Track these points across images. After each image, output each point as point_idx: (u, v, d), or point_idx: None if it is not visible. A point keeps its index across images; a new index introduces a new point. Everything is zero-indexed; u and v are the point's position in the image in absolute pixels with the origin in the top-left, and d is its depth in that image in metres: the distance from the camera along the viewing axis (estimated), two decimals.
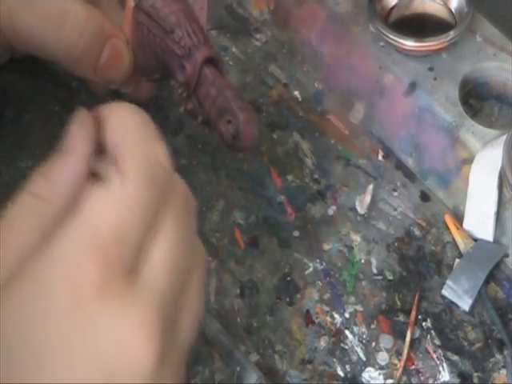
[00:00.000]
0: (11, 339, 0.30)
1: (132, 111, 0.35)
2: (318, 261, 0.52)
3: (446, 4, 0.57)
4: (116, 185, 0.32)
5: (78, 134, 0.34)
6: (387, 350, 0.48)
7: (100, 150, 0.34)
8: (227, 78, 0.47)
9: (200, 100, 0.47)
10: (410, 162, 0.56)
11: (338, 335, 0.49)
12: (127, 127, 0.34)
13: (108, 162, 0.33)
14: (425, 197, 0.55)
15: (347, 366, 0.48)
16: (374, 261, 0.52)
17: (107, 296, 0.31)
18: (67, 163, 0.33)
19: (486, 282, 0.50)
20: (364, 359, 0.48)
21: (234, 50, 0.61)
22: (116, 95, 0.51)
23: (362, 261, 0.52)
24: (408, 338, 0.48)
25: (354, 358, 0.48)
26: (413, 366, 0.48)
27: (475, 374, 0.48)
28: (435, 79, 0.54)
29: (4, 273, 0.31)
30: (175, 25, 0.45)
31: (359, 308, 0.50)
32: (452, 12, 0.57)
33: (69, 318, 0.30)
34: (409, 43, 0.54)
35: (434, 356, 0.48)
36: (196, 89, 0.46)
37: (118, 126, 0.34)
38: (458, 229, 0.52)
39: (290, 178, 0.55)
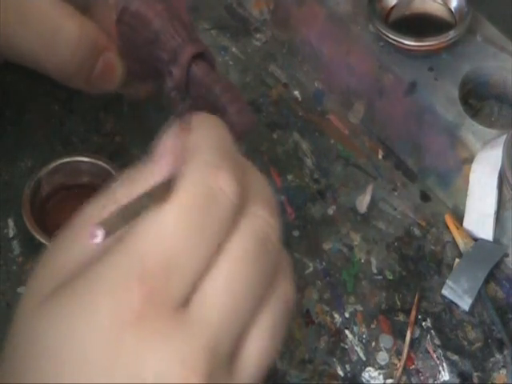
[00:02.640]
0: (47, 355, 0.29)
1: (214, 128, 0.34)
2: (317, 260, 0.52)
3: (445, 4, 0.57)
4: (167, 212, 0.30)
5: (167, 147, 0.32)
6: (387, 350, 0.48)
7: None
8: (216, 71, 0.46)
9: (194, 100, 0.47)
10: (409, 161, 0.56)
11: (337, 335, 0.49)
12: (200, 146, 0.32)
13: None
14: (425, 197, 0.55)
15: (347, 366, 0.48)
16: (373, 260, 0.52)
17: (149, 325, 0.29)
18: (149, 174, 0.32)
19: (486, 281, 0.50)
20: (364, 359, 0.48)
21: (233, 49, 0.61)
22: (114, 94, 0.51)
23: (362, 260, 0.52)
24: (408, 338, 0.48)
25: (354, 357, 0.48)
26: (413, 366, 0.48)
27: (475, 374, 0.48)
28: (435, 79, 0.54)
29: (59, 277, 0.31)
30: (159, 31, 0.45)
31: (359, 308, 0.50)
32: (452, 12, 0.56)
33: (108, 345, 0.29)
34: (409, 43, 0.54)
35: (434, 356, 0.48)
36: (188, 90, 0.46)
37: (194, 139, 0.33)
38: (457, 228, 0.52)
39: (289, 177, 0.55)
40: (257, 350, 0.32)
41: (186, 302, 0.30)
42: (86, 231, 0.28)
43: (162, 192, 0.30)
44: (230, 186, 0.31)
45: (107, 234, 0.28)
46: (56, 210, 0.51)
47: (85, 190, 0.51)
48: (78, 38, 0.45)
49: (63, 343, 0.29)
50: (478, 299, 0.50)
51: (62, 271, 0.31)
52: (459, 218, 0.53)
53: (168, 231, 0.30)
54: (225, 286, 0.30)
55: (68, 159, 0.51)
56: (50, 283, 0.31)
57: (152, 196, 0.30)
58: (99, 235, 0.28)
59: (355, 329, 0.49)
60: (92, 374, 0.29)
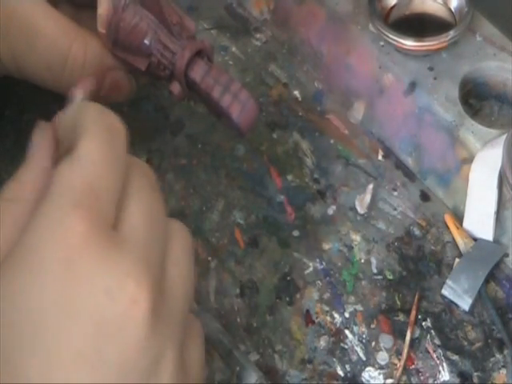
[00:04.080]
0: (9, 314, 0.31)
1: (78, 107, 0.38)
2: (317, 260, 0.52)
3: (445, 4, 0.57)
4: (79, 147, 0.34)
5: (37, 142, 0.38)
6: (387, 350, 0.48)
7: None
8: (212, 66, 0.46)
9: (203, 102, 0.47)
10: (409, 161, 0.56)
11: (337, 335, 0.49)
12: (81, 116, 0.37)
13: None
14: (425, 196, 0.55)
15: (347, 366, 0.48)
16: (373, 260, 0.52)
17: (94, 248, 0.32)
18: (30, 164, 0.37)
19: (486, 281, 0.50)
20: (364, 359, 0.48)
21: (233, 49, 0.61)
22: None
23: (362, 260, 0.52)
24: (408, 338, 0.48)
25: (354, 357, 0.48)
26: (413, 366, 0.48)
27: (475, 374, 0.48)
28: (435, 79, 0.54)
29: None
30: (148, 51, 0.45)
31: (359, 308, 0.50)
32: (452, 12, 0.57)
33: (57, 277, 0.31)
34: (409, 43, 0.54)
35: (434, 356, 0.48)
36: (193, 96, 0.47)
37: (77, 122, 0.37)
38: (457, 228, 0.52)
39: (289, 177, 0.55)
40: (177, 273, 0.36)
41: (115, 223, 0.34)
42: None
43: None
44: (118, 122, 0.37)
45: None
46: None
47: None
48: (83, 63, 0.46)
49: (13, 302, 0.31)
50: (478, 299, 0.50)
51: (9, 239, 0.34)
52: (459, 217, 0.53)
53: (85, 160, 0.34)
54: (141, 205, 0.35)
55: None
56: None
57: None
58: None
59: (355, 329, 0.49)
60: (44, 312, 0.31)
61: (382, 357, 0.48)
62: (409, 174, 0.56)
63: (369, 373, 0.48)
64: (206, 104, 0.47)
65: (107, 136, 0.35)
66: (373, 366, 0.48)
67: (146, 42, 0.45)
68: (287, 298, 0.50)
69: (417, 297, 0.50)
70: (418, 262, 0.52)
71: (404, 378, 0.48)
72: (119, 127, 0.37)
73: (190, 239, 0.38)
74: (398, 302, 0.50)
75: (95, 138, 0.35)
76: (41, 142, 0.38)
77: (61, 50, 0.46)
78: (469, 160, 0.51)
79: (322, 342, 0.49)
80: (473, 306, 0.49)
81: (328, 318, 0.50)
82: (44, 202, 0.33)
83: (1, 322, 0.31)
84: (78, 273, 0.32)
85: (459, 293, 0.49)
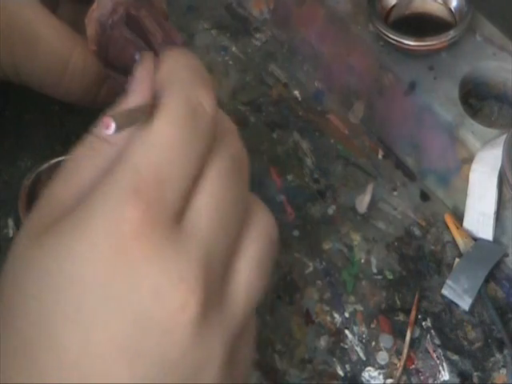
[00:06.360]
0: (45, 283, 0.30)
1: (185, 55, 0.35)
2: (317, 260, 0.52)
3: (445, 3, 0.57)
4: (155, 126, 0.31)
5: (139, 76, 0.34)
6: (387, 350, 0.48)
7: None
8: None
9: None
10: (409, 161, 0.56)
11: (337, 335, 0.49)
12: (175, 69, 0.34)
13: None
14: (424, 196, 0.55)
15: (347, 366, 0.48)
16: (373, 260, 0.52)
17: (147, 241, 0.29)
18: (130, 99, 0.33)
19: (486, 281, 0.50)
20: (364, 359, 0.48)
21: (233, 49, 0.61)
22: None
23: (362, 260, 0.52)
24: (408, 338, 0.48)
25: (354, 357, 0.48)
26: (413, 366, 0.48)
27: (475, 374, 0.48)
28: (435, 78, 0.54)
29: (59, 208, 0.31)
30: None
31: (359, 307, 0.50)
32: (452, 11, 0.57)
33: (107, 262, 0.29)
34: (409, 42, 0.54)
35: (434, 355, 0.48)
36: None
37: (167, 68, 0.34)
38: (457, 228, 0.52)
39: (289, 177, 0.55)
40: (244, 280, 0.33)
41: (179, 217, 0.31)
42: (99, 124, 0.30)
43: (148, 109, 0.32)
44: (208, 101, 0.33)
45: (117, 128, 0.29)
46: None
47: None
48: (83, 69, 0.47)
49: (61, 269, 0.29)
50: (478, 299, 0.50)
51: (62, 203, 0.31)
52: (459, 217, 0.53)
53: (158, 143, 0.31)
54: (212, 200, 0.31)
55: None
56: (50, 215, 0.31)
57: (141, 110, 0.32)
58: (112, 127, 0.29)
59: (355, 329, 0.49)
60: (88, 291, 0.29)
61: (382, 357, 0.48)
62: (409, 174, 0.56)
63: (369, 373, 0.48)
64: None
65: (191, 119, 0.32)
66: (373, 365, 0.48)
67: (134, 61, 0.44)
68: (287, 298, 0.50)
69: (417, 297, 0.50)
70: (418, 261, 0.52)
71: (404, 377, 0.48)
72: (207, 108, 0.33)
73: (272, 238, 0.34)
74: (398, 302, 0.50)
75: (176, 121, 0.31)
76: (144, 75, 0.34)
77: (61, 58, 0.46)
78: (469, 160, 0.51)
79: (322, 342, 0.49)
80: (473, 306, 0.49)
81: (328, 318, 0.50)
82: (106, 178, 0.30)
83: (47, 282, 0.30)
84: (127, 264, 0.29)
85: (459, 293, 0.49)
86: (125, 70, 0.45)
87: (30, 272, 0.30)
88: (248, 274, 0.33)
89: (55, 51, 0.46)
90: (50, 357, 0.29)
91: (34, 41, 0.45)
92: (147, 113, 0.32)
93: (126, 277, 0.29)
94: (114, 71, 0.46)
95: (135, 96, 0.33)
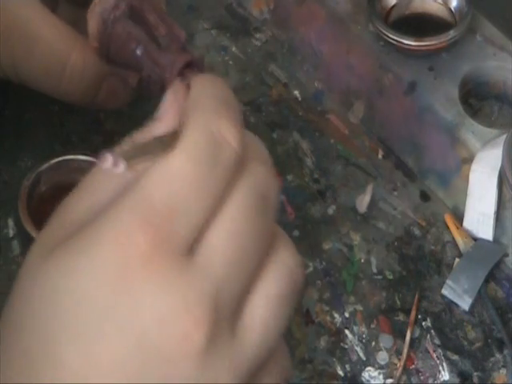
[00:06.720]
0: (50, 304, 0.30)
1: (213, 82, 0.34)
2: (317, 260, 0.52)
3: (445, 3, 0.57)
4: (173, 159, 0.30)
5: (167, 103, 0.34)
6: (387, 350, 0.48)
7: None
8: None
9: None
10: (409, 161, 0.56)
11: (337, 335, 0.49)
12: (201, 97, 0.33)
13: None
14: (424, 196, 0.55)
15: (347, 366, 0.48)
16: (373, 260, 0.52)
17: (155, 269, 0.29)
18: (159, 122, 0.33)
19: (486, 281, 0.50)
20: (364, 359, 0.48)
21: (233, 49, 0.61)
22: None
23: (362, 260, 0.52)
24: (408, 338, 0.48)
25: (354, 357, 0.48)
26: (412, 366, 0.48)
27: (475, 374, 0.48)
28: (435, 79, 0.54)
29: (70, 227, 0.31)
30: (139, 66, 0.45)
31: (359, 307, 0.50)
32: (452, 11, 0.56)
33: (111, 285, 0.29)
34: (409, 42, 0.54)
35: (434, 355, 0.48)
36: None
37: (193, 96, 0.33)
38: (457, 228, 0.52)
39: (289, 177, 0.55)
40: (261, 316, 0.32)
41: (190, 249, 0.30)
42: (104, 161, 0.30)
43: (169, 140, 0.31)
44: (233, 133, 0.31)
45: (127, 167, 0.29)
46: (53, 208, 0.50)
47: None
48: (82, 70, 0.46)
49: (66, 291, 0.29)
50: (478, 299, 0.50)
51: (74, 222, 0.31)
52: (459, 217, 0.53)
53: (175, 175, 0.30)
54: (229, 236, 0.30)
55: (71, 157, 0.51)
56: (60, 233, 0.31)
57: (161, 141, 0.31)
58: (121, 167, 0.29)
59: (355, 329, 0.49)
60: (90, 315, 0.29)
61: (382, 357, 0.48)
62: (409, 174, 0.56)
63: (369, 373, 0.48)
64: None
65: (211, 154, 0.31)
66: (373, 365, 0.48)
67: (136, 56, 0.44)
68: None
69: (417, 297, 0.50)
70: (418, 261, 0.52)
71: (404, 377, 0.48)
72: (231, 141, 0.31)
73: (294, 278, 0.33)
74: (398, 302, 0.50)
75: (195, 155, 0.30)
76: (174, 100, 0.33)
77: (60, 57, 0.46)
78: (469, 160, 0.51)
79: (322, 342, 0.49)
80: (473, 306, 0.49)
81: (328, 318, 0.50)
82: (119, 203, 0.30)
83: (53, 299, 0.30)
84: (130, 289, 0.29)
85: (459, 293, 0.49)
86: (126, 66, 0.45)
87: (37, 288, 0.30)
88: (264, 311, 0.32)
89: (55, 51, 0.46)
90: (52, 374, 0.29)
91: (34, 40, 0.45)
92: (168, 142, 0.31)
93: (129, 301, 0.29)
94: (115, 67, 0.46)
95: (159, 124, 0.33)
